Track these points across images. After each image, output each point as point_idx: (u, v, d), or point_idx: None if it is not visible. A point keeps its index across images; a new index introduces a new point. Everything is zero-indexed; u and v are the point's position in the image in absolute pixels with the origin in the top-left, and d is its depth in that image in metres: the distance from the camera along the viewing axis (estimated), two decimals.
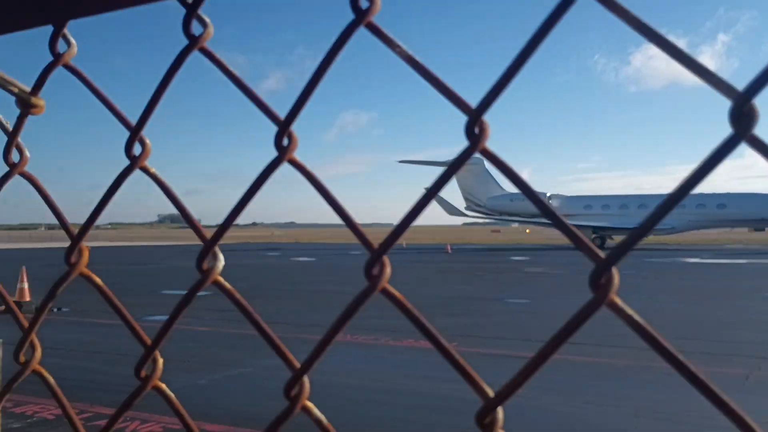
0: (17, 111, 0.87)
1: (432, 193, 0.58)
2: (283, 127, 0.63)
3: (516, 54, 0.52)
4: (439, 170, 0.60)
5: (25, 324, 0.78)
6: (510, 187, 60.22)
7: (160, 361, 0.72)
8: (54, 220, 0.83)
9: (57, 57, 0.71)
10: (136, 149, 0.70)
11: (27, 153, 0.78)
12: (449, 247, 57.78)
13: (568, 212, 57.14)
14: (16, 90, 0.70)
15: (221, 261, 0.65)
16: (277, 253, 52.99)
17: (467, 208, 65.77)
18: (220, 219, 0.73)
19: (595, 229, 55.19)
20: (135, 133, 0.70)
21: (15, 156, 0.78)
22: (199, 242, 0.74)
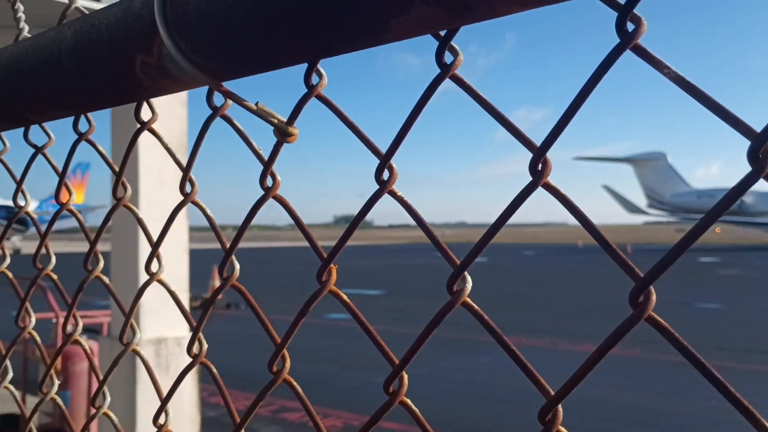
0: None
1: None
2: (538, 154, 0.63)
3: None
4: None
5: (278, 340, 0.83)
6: (696, 183, 56.19)
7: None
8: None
9: (311, 89, 0.76)
10: (385, 175, 0.73)
11: (279, 178, 0.83)
12: (629, 247, 54.92)
13: (765, 210, 52.20)
14: (275, 121, 0.75)
15: (469, 283, 0.66)
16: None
17: (649, 205, 62.12)
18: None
19: None
20: (385, 160, 0.72)
21: (269, 181, 0.83)
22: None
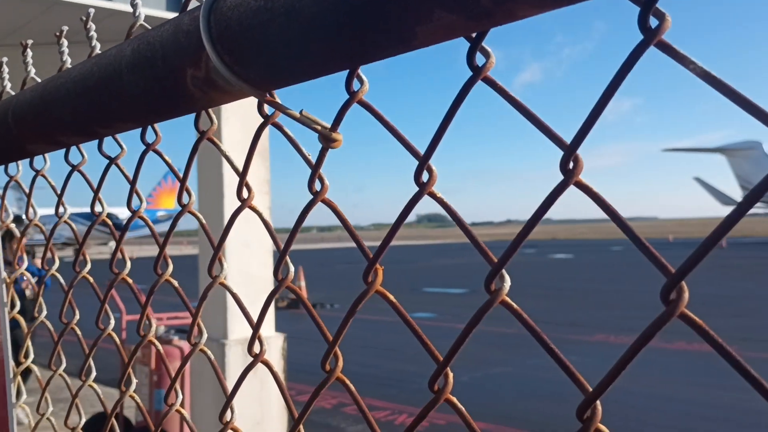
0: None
1: None
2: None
3: None
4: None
5: (330, 337, 0.86)
6: None
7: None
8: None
9: (352, 95, 0.78)
10: (425, 177, 0.74)
11: (327, 182, 0.86)
12: (724, 241, 52.51)
13: None
14: (319, 128, 0.78)
15: (508, 282, 0.66)
16: (533, 250, 52.38)
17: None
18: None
19: None
20: (423, 162, 0.74)
21: (317, 185, 0.86)
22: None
